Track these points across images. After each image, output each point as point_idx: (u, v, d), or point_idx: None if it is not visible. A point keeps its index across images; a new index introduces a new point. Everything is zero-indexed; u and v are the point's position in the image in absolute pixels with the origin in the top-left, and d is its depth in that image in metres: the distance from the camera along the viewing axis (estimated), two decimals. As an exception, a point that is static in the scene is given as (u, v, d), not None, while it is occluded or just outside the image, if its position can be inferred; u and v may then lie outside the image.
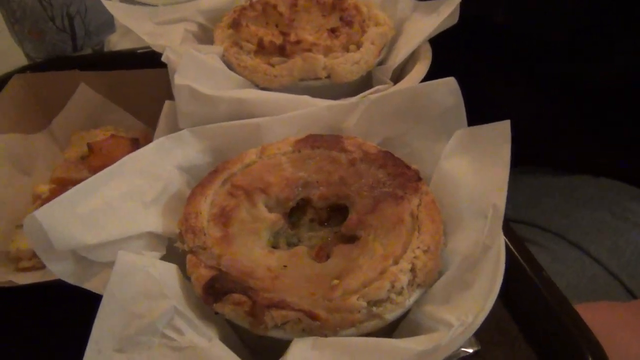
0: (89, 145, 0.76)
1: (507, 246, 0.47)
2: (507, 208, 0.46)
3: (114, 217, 0.48)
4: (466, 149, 0.53)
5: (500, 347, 0.55)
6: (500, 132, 0.51)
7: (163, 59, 0.67)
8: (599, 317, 0.67)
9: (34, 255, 0.65)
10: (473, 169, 0.51)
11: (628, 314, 0.71)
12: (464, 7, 0.71)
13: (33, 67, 0.92)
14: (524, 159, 0.98)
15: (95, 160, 0.75)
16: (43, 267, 0.65)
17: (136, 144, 0.76)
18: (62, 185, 0.72)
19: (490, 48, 0.94)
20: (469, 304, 0.43)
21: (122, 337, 0.40)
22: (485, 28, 0.92)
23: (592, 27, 0.83)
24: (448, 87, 0.56)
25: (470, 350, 0.55)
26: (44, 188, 0.73)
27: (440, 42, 0.74)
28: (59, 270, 0.46)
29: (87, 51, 1.01)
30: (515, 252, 0.58)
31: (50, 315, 0.61)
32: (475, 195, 0.49)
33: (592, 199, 0.92)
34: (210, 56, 0.69)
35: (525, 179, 0.98)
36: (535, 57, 0.91)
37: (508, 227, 0.56)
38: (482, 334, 0.55)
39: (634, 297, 0.79)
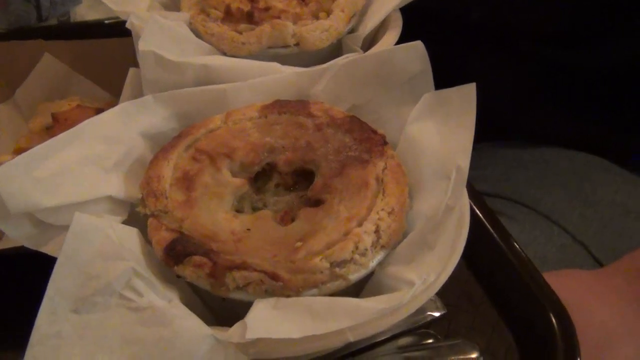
0: (54, 116, 0.75)
1: (472, 210, 0.47)
2: (480, 182, 0.46)
3: (73, 180, 0.47)
4: (432, 112, 0.52)
5: (465, 310, 0.56)
6: (465, 95, 0.50)
7: (127, 25, 0.66)
8: (566, 284, 0.67)
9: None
10: (438, 132, 0.51)
11: (594, 282, 0.71)
12: None
13: (-5, 38, 0.90)
14: (497, 132, 0.98)
15: (60, 130, 0.71)
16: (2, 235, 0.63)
17: (102, 113, 0.75)
18: (25, 155, 0.70)
19: (463, 22, 0.94)
20: (432, 263, 0.43)
21: (78, 297, 0.39)
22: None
23: (573, 17, 0.84)
24: (415, 52, 0.55)
25: (437, 314, 0.55)
26: (7, 158, 0.71)
27: (411, 11, 0.73)
28: (16, 233, 0.45)
29: (53, 22, 0.98)
30: (481, 216, 0.58)
31: (6, 282, 0.60)
32: (440, 157, 0.49)
33: (564, 172, 0.92)
34: (176, 23, 0.67)
35: (499, 152, 0.98)
36: (510, 38, 0.91)
37: (474, 192, 0.56)
38: (448, 298, 0.55)
39: (601, 265, 0.80)
